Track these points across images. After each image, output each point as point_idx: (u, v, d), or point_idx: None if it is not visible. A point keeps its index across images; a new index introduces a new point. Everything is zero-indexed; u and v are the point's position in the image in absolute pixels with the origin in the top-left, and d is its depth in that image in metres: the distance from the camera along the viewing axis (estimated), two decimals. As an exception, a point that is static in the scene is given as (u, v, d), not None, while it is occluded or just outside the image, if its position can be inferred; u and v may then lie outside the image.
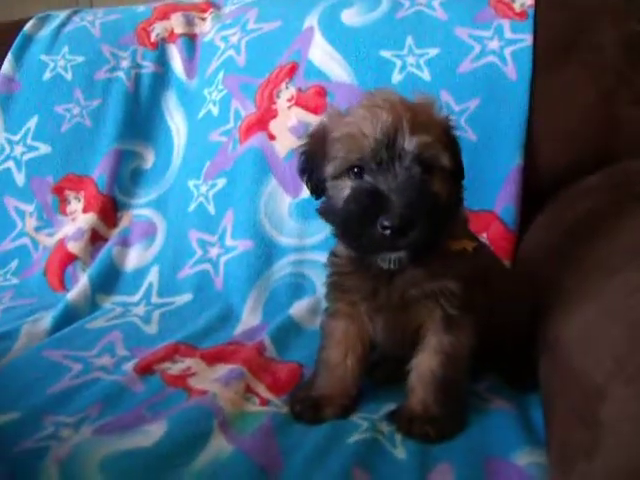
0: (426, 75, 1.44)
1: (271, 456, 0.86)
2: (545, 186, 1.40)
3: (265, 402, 1.02)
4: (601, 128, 1.40)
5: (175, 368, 1.13)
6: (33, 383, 1.08)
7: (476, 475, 0.82)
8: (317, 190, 0.96)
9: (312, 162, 0.95)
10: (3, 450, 0.87)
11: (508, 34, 1.43)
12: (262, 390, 1.06)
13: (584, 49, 1.43)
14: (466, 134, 1.37)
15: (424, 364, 0.95)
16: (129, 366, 1.13)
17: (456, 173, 0.92)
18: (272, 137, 1.50)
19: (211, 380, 1.07)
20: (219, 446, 0.88)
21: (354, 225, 0.85)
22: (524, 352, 1.07)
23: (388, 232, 0.80)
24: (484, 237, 1.32)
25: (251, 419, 0.96)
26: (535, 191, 1.39)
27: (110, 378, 1.09)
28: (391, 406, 1.00)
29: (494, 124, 1.38)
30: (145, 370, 1.11)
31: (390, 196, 0.81)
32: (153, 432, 0.90)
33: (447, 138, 0.90)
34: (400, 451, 0.88)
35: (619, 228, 1.05)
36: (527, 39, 1.42)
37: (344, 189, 0.88)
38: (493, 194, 1.36)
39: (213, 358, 1.16)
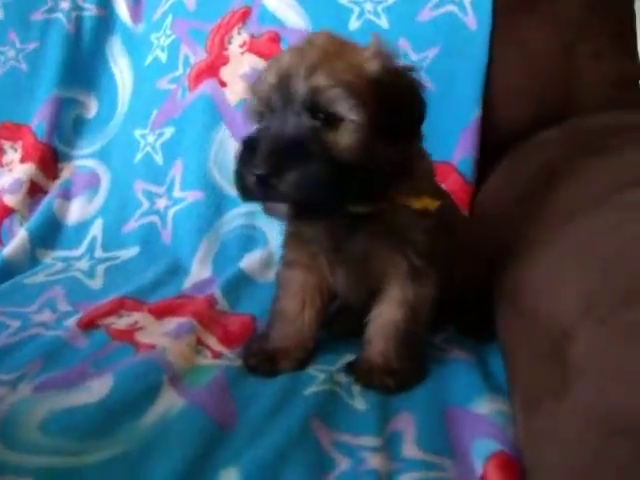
0: (384, 22, 1.39)
1: (225, 409, 0.82)
2: (503, 139, 1.38)
3: (217, 355, 0.99)
4: (560, 81, 1.38)
5: (121, 322, 1.08)
6: (-35, 341, 1.01)
7: (437, 423, 0.81)
8: None
9: None
10: None
11: (468, -18, 1.39)
12: (213, 343, 1.02)
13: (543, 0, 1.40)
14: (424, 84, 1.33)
15: (386, 316, 0.92)
16: (72, 321, 1.07)
17: (394, 129, 0.81)
18: (223, 84, 1.43)
19: (160, 334, 1.02)
20: (170, 400, 0.84)
21: (236, 172, 0.80)
22: (481, 302, 1.06)
23: (254, 180, 0.75)
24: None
25: (203, 372, 0.92)
26: (493, 144, 1.37)
27: (51, 334, 1.03)
28: (349, 358, 0.98)
29: (453, 74, 1.34)
30: (89, 325, 1.05)
31: (261, 143, 0.76)
32: (98, 388, 0.85)
33: (371, 87, 0.79)
34: (359, 402, 0.86)
35: (574, 181, 1.04)
36: (487, -12, 1.38)
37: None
38: (451, 145, 1.33)
39: (161, 312, 1.11)
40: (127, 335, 1.02)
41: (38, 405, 0.81)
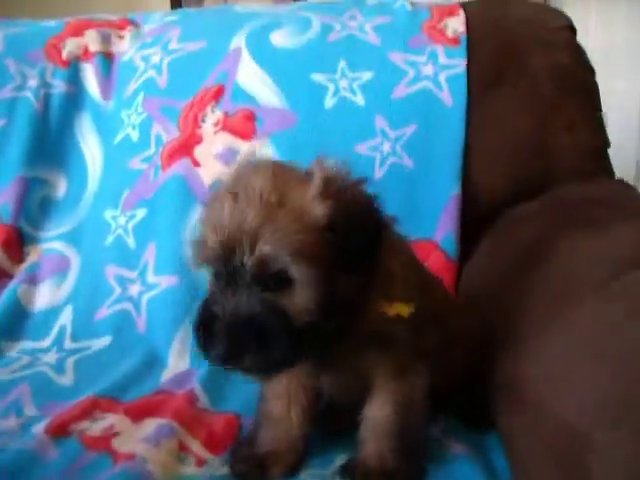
0: (360, 100, 1.39)
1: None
2: (483, 213, 1.37)
3: (201, 462, 0.92)
4: (536, 154, 1.40)
5: (95, 428, 1.00)
6: None
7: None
8: None
9: None
10: None
11: (442, 59, 1.40)
12: (197, 447, 0.95)
13: (516, 77, 1.43)
14: (402, 161, 1.32)
15: (377, 413, 0.87)
16: (40, 427, 0.98)
17: (355, 260, 0.77)
18: (197, 164, 1.40)
19: (138, 440, 0.95)
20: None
21: (197, 343, 0.77)
22: (475, 389, 1.02)
23: (216, 360, 0.75)
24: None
25: (188, 484, 0.85)
26: (473, 218, 1.36)
27: (16, 446, 0.93)
28: (342, 458, 0.92)
29: (431, 150, 1.34)
30: (60, 431, 0.97)
31: (217, 324, 0.73)
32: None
33: (321, 234, 0.74)
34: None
35: (562, 260, 1.03)
36: (461, 64, 1.39)
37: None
38: (432, 223, 1.31)
39: (139, 412, 1.04)
40: (103, 443, 0.95)
41: None
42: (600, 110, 1.50)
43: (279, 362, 0.75)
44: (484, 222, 1.36)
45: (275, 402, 0.92)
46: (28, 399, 1.10)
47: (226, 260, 0.74)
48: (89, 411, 1.04)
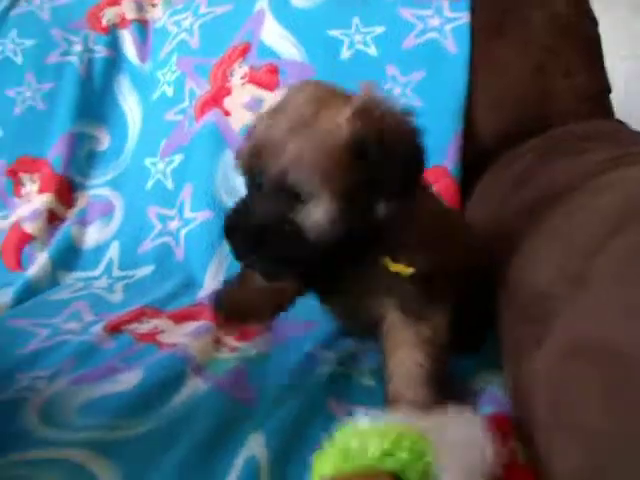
0: (373, 51, 1.52)
1: (245, 389, 0.92)
2: (486, 153, 1.49)
3: (234, 349, 1.07)
4: (534, 99, 1.50)
5: (143, 327, 1.16)
6: (0, 348, 1.10)
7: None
8: None
9: None
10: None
11: (447, 12, 1.53)
12: (230, 340, 1.11)
13: (515, 27, 1.54)
14: (411, 102, 1.45)
15: (405, 362, 0.86)
16: (98, 327, 1.15)
17: (386, 187, 0.78)
18: (227, 113, 1.55)
19: (180, 334, 1.11)
20: (194, 386, 0.93)
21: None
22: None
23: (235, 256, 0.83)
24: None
25: (223, 362, 1.01)
26: (477, 157, 1.48)
27: (79, 339, 1.11)
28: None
29: (437, 92, 1.45)
30: (114, 329, 1.14)
31: (237, 224, 0.80)
32: (129, 379, 0.94)
33: (348, 153, 0.75)
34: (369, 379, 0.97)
35: (543, 177, 1.15)
36: (464, 17, 1.51)
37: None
38: (441, 153, 1.42)
39: (180, 317, 1.20)
40: (150, 337, 1.11)
41: (75, 395, 0.90)
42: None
43: (282, 265, 0.81)
44: (487, 161, 1.49)
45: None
46: (86, 310, 1.27)
47: (252, 169, 0.80)
48: (138, 317, 1.20)
